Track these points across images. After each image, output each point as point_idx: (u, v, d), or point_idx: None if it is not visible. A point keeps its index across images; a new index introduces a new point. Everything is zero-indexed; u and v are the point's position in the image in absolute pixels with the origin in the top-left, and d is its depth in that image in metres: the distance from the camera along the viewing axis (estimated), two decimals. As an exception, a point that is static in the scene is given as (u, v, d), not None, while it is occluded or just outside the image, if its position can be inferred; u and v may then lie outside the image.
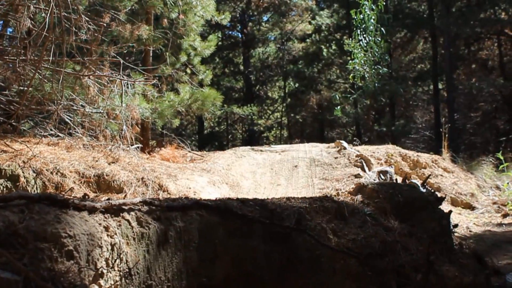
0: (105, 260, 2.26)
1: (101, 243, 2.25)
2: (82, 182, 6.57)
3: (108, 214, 2.40)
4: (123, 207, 2.50)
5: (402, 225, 4.27)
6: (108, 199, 2.54)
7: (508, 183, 12.00)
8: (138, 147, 9.25)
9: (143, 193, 6.93)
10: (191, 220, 2.83)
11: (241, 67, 32.27)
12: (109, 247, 2.29)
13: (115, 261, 2.30)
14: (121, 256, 2.34)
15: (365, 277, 3.55)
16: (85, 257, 2.16)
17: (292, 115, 33.69)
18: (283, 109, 33.90)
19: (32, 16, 7.11)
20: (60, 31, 7.23)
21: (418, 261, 3.84)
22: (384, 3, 18.42)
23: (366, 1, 17.68)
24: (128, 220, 2.48)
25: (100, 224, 2.31)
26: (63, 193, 5.94)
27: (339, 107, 19.71)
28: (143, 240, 2.52)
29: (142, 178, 7.27)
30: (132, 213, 2.54)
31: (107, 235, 2.31)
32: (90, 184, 6.63)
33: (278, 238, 3.27)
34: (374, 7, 17.83)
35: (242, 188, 8.33)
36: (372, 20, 17.80)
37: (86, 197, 2.49)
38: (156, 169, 8.10)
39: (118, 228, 2.39)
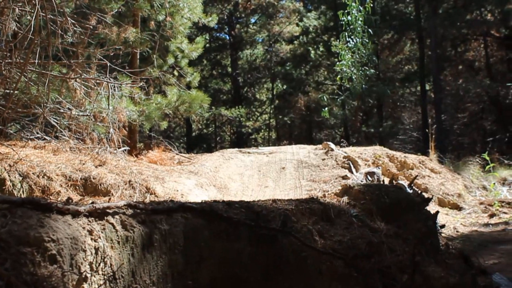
0: (89, 264, 2.25)
1: (85, 247, 2.24)
2: (69, 185, 6.55)
3: (92, 218, 2.39)
4: (108, 210, 2.49)
5: (388, 226, 4.29)
6: (92, 202, 2.53)
7: (494, 183, 12.08)
8: (125, 150, 9.23)
9: (131, 196, 6.91)
10: (176, 223, 2.83)
11: (229, 69, 32.30)
12: (93, 251, 2.28)
13: (99, 265, 2.29)
14: (105, 259, 2.33)
15: (351, 278, 3.55)
16: (69, 261, 2.15)
17: (280, 116, 33.75)
18: (271, 111, 33.94)
19: (17, 19, 7.08)
20: (46, 34, 7.20)
21: (404, 262, 3.86)
22: (371, 5, 18.52)
23: (354, 3, 17.75)
24: (112, 224, 2.47)
25: (84, 228, 2.30)
26: (50, 196, 5.93)
27: (326, 108, 19.75)
28: (128, 243, 2.52)
29: (129, 181, 7.26)
30: (117, 216, 2.53)
31: (91, 238, 2.30)
32: (77, 187, 6.60)
33: (264, 240, 3.27)
34: (361, 8, 17.92)
35: (230, 190, 8.34)
36: (359, 22, 17.88)
37: (70, 201, 2.48)
38: (144, 172, 8.08)
39: (102, 232, 2.38)
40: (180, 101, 11.17)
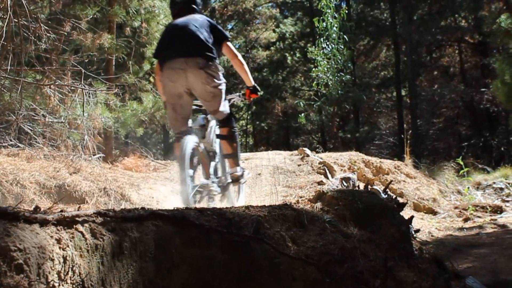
0: (57, 273, 2.23)
1: (53, 256, 2.22)
2: (43, 193, 6.50)
3: (61, 226, 2.37)
4: (77, 218, 2.46)
5: (362, 232, 4.30)
6: (61, 211, 2.51)
7: (468, 187, 12.21)
8: (100, 156, 9.18)
9: (105, 203, 6.87)
10: (147, 230, 2.81)
11: (206, 75, 32.25)
12: (61, 260, 2.26)
13: (67, 273, 2.27)
14: (74, 268, 2.31)
15: (324, 284, 3.56)
16: (36, 271, 2.13)
17: (257, 122, 33.82)
18: (249, 117, 33.98)
19: (-11, 25, 7.02)
20: (19, 40, 7.15)
21: (377, 267, 3.87)
22: (346, 11, 18.74)
23: (329, 9, 17.89)
24: (81, 232, 2.45)
25: (52, 236, 2.28)
26: (23, 204, 5.87)
27: (303, 114, 19.86)
28: (97, 251, 2.50)
29: (104, 188, 7.22)
30: (86, 224, 2.51)
31: (59, 247, 2.28)
32: (51, 195, 6.55)
33: (236, 247, 3.26)
34: (336, 15, 18.07)
35: (206, 197, 8.32)
36: (334, 28, 18.03)
37: (38, 209, 2.46)
38: (119, 179, 8.04)
39: (71, 240, 2.36)
40: (156, 107, 11.15)
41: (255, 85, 5.91)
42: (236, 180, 5.88)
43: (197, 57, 5.26)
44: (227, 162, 5.94)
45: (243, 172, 5.96)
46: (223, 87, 5.50)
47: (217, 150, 5.86)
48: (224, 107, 5.61)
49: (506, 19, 11.02)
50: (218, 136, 5.83)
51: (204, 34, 5.37)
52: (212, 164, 5.70)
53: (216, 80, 5.38)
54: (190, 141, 5.17)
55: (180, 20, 5.52)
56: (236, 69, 5.96)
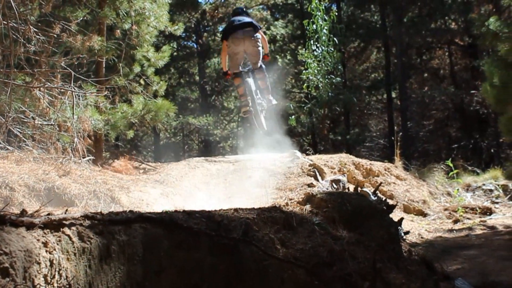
0: (44, 276, 2.23)
1: (39, 259, 2.22)
2: (32, 196, 6.46)
3: (48, 230, 2.36)
4: (64, 222, 2.46)
5: (350, 234, 4.31)
6: (48, 214, 2.50)
7: (458, 189, 12.27)
8: (90, 159, 9.13)
9: (95, 206, 6.84)
10: (134, 233, 2.81)
11: (197, 77, 32.19)
12: (48, 263, 2.25)
13: (53, 277, 2.26)
14: (61, 272, 2.30)
15: (313, 286, 3.57)
16: (22, 274, 2.12)
17: (248, 125, 33.67)
18: (239, 119, 33.90)
19: (-22, 27, 6.99)
20: (8, 42, 7.13)
21: (366, 269, 3.88)
22: (336, 14, 18.76)
23: (319, 12, 17.91)
24: (68, 235, 2.44)
25: (38, 240, 2.28)
26: (12, 207, 5.84)
27: (293, 116, 19.87)
28: (85, 255, 2.49)
29: (94, 191, 7.18)
30: (73, 228, 2.50)
31: (46, 251, 2.27)
32: (40, 198, 6.52)
33: (225, 250, 3.26)
34: (326, 17, 18.09)
35: (196, 200, 8.29)
36: (324, 31, 18.05)
37: (24, 212, 2.45)
38: (108, 182, 8.00)
39: (58, 244, 2.35)
40: (146, 109, 11.11)
41: (268, 53, 11.15)
42: (270, 102, 11.33)
43: (249, 32, 10.39)
44: (264, 92, 11.26)
45: (272, 98, 11.38)
46: (261, 49, 10.60)
47: (255, 87, 11.02)
48: (260, 61, 10.74)
49: (494, 21, 11.06)
50: (256, 78, 11.05)
51: (250, 23, 10.61)
52: (257, 90, 11.13)
53: (258, 45, 10.50)
54: (250, 80, 10.82)
55: (237, 18, 10.74)
56: (263, 44, 10.76)
